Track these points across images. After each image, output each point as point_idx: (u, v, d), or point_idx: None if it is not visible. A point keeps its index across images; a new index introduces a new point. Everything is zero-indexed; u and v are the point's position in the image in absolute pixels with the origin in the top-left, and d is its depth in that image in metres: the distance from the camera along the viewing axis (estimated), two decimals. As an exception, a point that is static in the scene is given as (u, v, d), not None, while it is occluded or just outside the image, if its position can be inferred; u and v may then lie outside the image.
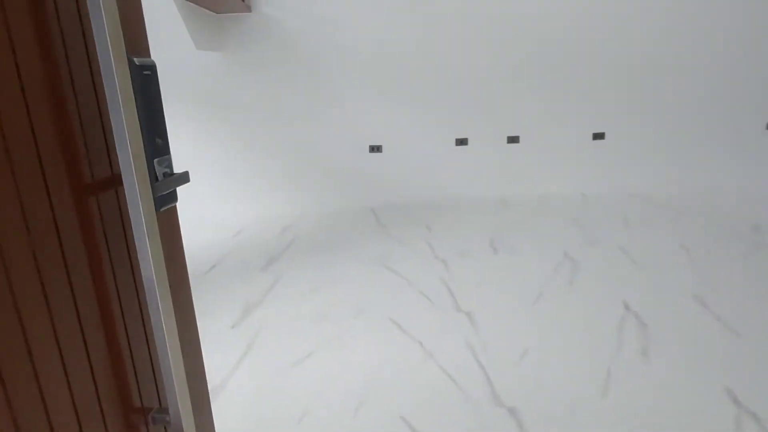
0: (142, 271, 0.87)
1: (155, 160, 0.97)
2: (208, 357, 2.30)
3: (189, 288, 1.13)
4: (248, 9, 4.24)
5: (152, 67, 0.97)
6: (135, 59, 0.92)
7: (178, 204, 4.38)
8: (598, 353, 2.18)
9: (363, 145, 4.71)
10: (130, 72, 0.91)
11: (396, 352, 2.26)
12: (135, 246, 0.88)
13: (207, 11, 4.10)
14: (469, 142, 4.70)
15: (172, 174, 1.01)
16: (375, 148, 4.72)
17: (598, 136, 4.78)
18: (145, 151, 0.94)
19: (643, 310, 2.52)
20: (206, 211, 4.69)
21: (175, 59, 4.36)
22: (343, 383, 2.06)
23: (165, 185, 0.96)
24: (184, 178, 1.02)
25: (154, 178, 0.96)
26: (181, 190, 4.67)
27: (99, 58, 0.79)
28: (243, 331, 2.53)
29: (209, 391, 2.01)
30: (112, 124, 0.82)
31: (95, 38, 0.78)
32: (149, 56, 1.01)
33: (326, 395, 1.99)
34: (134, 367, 0.94)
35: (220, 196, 4.71)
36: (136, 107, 0.93)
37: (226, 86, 4.46)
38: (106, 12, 0.78)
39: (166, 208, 1.01)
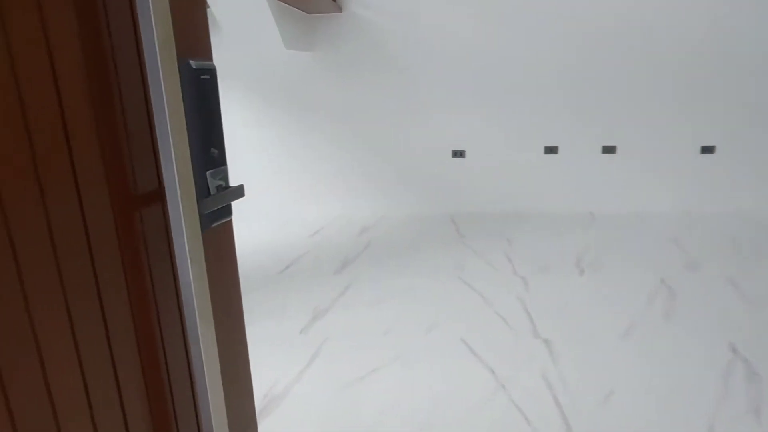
0: (182, 296, 0.81)
1: (208, 173, 0.90)
2: (275, 361, 2.27)
3: (240, 309, 1.06)
4: (339, 9, 4.23)
5: (211, 71, 0.90)
6: (192, 62, 0.86)
7: (258, 201, 4.48)
8: (697, 404, 1.89)
9: (446, 150, 4.56)
10: (186, 76, 0.85)
11: (465, 378, 2.10)
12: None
13: (298, 11, 4.14)
14: (560, 150, 4.40)
15: (226, 187, 0.94)
16: (458, 153, 4.55)
17: (708, 150, 4.29)
18: (195, 162, 0.87)
19: (755, 357, 2.17)
20: (287, 209, 4.76)
21: (265, 58, 4.45)
22: (407, 407, 1.94)
23: (216, 200, 0.89)
24: (238, 192, 0.95)
25: (204, 192, 0.90)
26: (263, 187, 4.78)
27: (146, 60, 0.72)
28: (311, 337, 2.49)
29: (270, 396, 1.98)
30: (157, 133, 0.75)
31: (143, 38, 0.72)
32: (210, 59, 0.95)
33: (388, 418, 1.88)
34: (171, 395, 0.87)
35: (302, 195, 4.76)
36: (191, 114, 0.86)
37: (312, 86, 4.49)
38: (156, 11, 0.71)
39: (218, 224, 0.94)
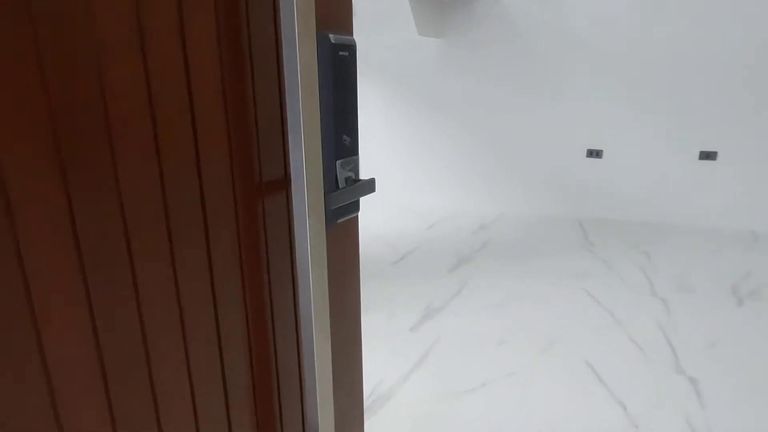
0: (299, 295, 0.72)
1: (339, 162, 0.80)
2: (383, 357, 2.20)
3: (358, 312, 0.96)
4: (475, -6, 4.03)
5: (351, 47, 0.80)
6: (331, 36, 0.76)
7: (378, 187, 4.43)
8: None
9: (580, 148, 4.18)
10: (324, 51, 0.75)
11: (589, 410, 1.86)
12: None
13: (434, -4, 4.01)
14: (719, 156, 3.83)
15: (356, 180, 0.84)
16: (594, 153, 4.15)
17: None
18: (326, 150, 0.78)
19: None
20: (404, 198, 4.70)
21: (395, 44, 4.39)
22: None
23: (345, 195, 0.79)
24: (369, 187, 0.84)
25: (333, 184, 0.80)
26: (381, 173, 4.75)
27: (282, 32, 0.63)
28: (421, 336, 2.38)
29: (375, 395, 1.90)
30: (288, 114, 0.66)
31: (281, 3, 0.62)
32: (351, 33, 0.85)
33: (498, 439, 1.72)
34: (279, 391, 0.79)
35: (420, 185, 4.66)
36: (325, 95, 0.77)
37: (440, 74, 4.34)
38: (296, -26, 0.61)
39: (344, 219, 0.84)
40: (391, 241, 3.71)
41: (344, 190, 0.78)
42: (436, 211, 4.44)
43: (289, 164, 0.71)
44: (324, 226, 0.72)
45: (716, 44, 3.60)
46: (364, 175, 4.78)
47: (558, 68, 4.03)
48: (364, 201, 4.89)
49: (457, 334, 2.39)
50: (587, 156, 4.17)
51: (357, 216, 0.90)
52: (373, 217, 4.29)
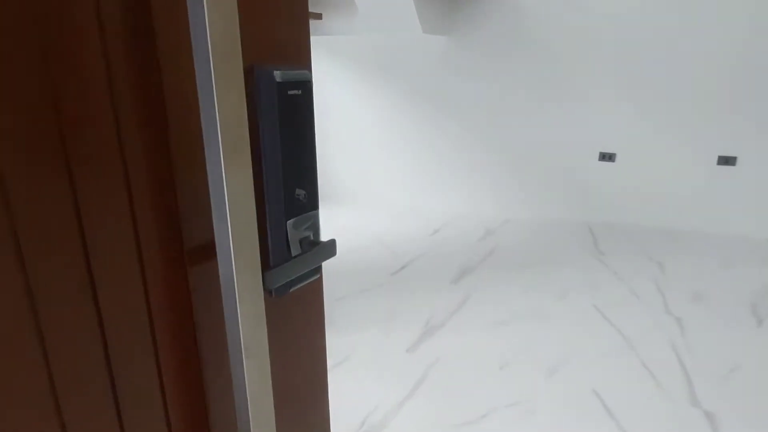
0: (234, 389, 0.59)
1: (290, 222, 0.67)
2: (376, 382, 2.08)
3: (325, 395, 0.83)
4: (483, -11, 3.85)
5: (305, 84, 0.66)
6: (276, 73, 0.62)
7: (377, 189, 4.30)
8: None
9: (592, 151, 4.01)
10: (265, 92, 0.62)
11: (596, 446, 1.73)
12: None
13: (439, -8, 3.84)
14: (738, 161, 3.63)
15: (315, 243, 0.70)
16: (606, 156, 3.98)
17: None
18: (273, 208, 0.64)
19: None
20: (407, 201, 4.56)
21: (398, 42, 4.23)
22: (520, 471, 1.63)
23: (296, 265, 0.66)
24: (328, 251, 0.70)
25: (281, 248, 0.67)
26: (384, 175, 4.61)
27: (196, 70, 0.50)
28: (418, 359, 2.25)
29: (367, 426, 1.78)
30: (208, 171, 0.53)
31: (192, 36, 0.49)
32: (306, 67, 0.71)
33: (495, 482, 1.59)
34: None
35: (428, 187, 4.52)
36: (270, 143, 0.63)
37: (448, 73, 4.18)
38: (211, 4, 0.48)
39: (301, 286, 0.71)
40: (392, 247, 3.57)
41: (295, 261, 0.64)
42: (442, 214, 4.30)
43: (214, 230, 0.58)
44: (261, 304, 0.58)
45: (737, 46, 3.40)
46: (363, 179, 4.64)
47: (570, 68, 3.85)
48: (365, 204, 4.76)
49: (457, 355, 2.26)
50: (600, 159, 4.00)
51: (320, 278, 0.76)
52: (374, 221, 4.16)
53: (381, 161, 4.63)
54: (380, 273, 3.14)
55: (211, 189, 0.52)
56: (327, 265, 3.18)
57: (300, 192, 0.69)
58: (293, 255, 0.68)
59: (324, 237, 0.72)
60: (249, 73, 0.60)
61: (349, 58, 4.44)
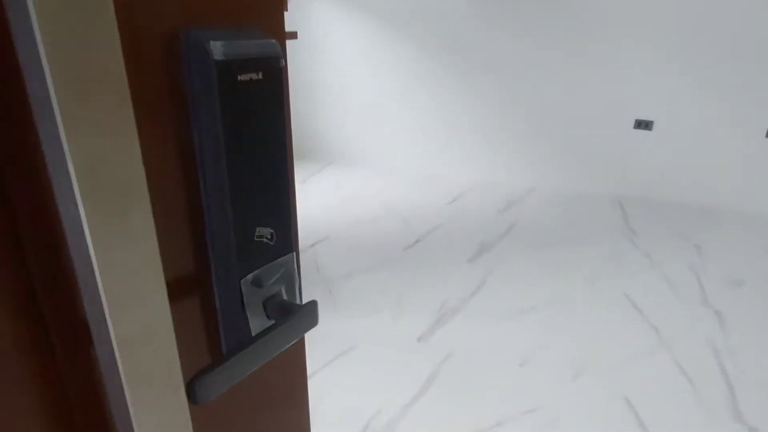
0: None
1: (247, 279, 0.45)
2: (382, 378, 1.90)
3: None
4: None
5: (269, 63, 0.42)
6: (214, 45, 0.38)
7: (393, 153, 4.04)
8: None
9: (627, 118, 3.67)
10: (199, 78, 0.38)
11: (627, 467, 1.54)
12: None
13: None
14: (792, 135, 3.29)
15: (288, 307, 0.47)
16: (642, 124, 3.64)
17: None
18: (219, 260, 0.42)
19: None
20: (424, 167, 4.29)
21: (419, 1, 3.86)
22: (540, 494, 1.46)
23: (248, 359, 0.43)
24: (307, 319, 0.48)
25: (235, 322, 0.44)
26: (399, 139, 4.32)
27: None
28: (430, 350, 2.06)
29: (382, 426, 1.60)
30: (65, 231, 0.30)
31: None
32: (276, 32, 0.46)
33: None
34: None
35: (448, 151, 4.24)
36: (211, 165, 0.40)
37: (475, 28, 3.82)
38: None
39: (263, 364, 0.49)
40: (406, 218, 3.35)
41: (243, 355, 0.42)
42: (461, 182, 4.04)
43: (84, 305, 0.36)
44: (184, 408, 0.37)
45: (806, 0, 2.99)
46: (375, 141, 4.36)
47: (608, 27, 3.47)
48: (381, 167, 4.50)
49: (472, 348, 2.07)
50: (635, 127, 3.67)
51: (301, 342, 0.54)
52: (388, 189, 3.91)
53: (396, 121, 4.33)
54: (392, 247, 2.93)
55: (79, 276, 0.30)
56: (332, 238, 2.98)
57: (263, 231, 0.46)
58: (254, 328, 0.46)
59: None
60: (170, 44, 0.36)
61: (361, 2, 4.08)
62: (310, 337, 2.12)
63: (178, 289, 0.41)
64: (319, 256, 2.82)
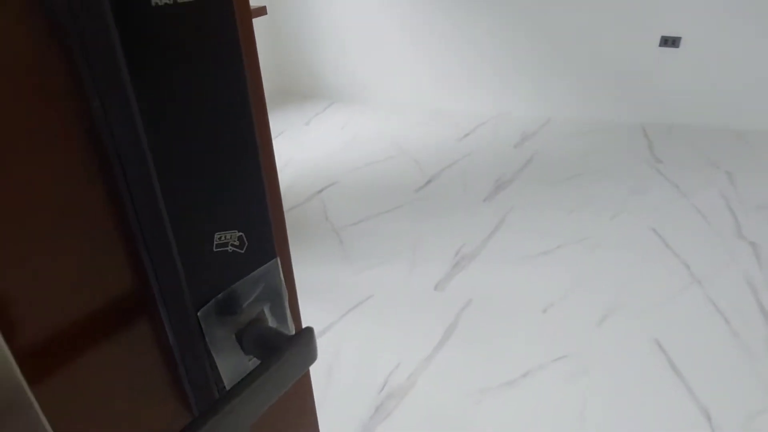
0: None
1: (208, 308, 0.31)
2: (401, 331, 1.82)
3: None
4: None
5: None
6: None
7: (401, 88, 3.82)
8: None
9: (651, 35, 3.37)
10: (94, 17, 0.22)
11: (663, 421, 1.46)
12: None
13: None
14: (835, 45, 3.00)
15: (267, 341, 0.34)
16: (669, 41, 3.35)
17: None
18: (164, 294, 0.28)
19: None
20: (434, 102, 4.06)
21: None
22: (571, 448, 1.39)
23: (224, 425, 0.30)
24: (305, 355, 0.34)
25: (198, 364, 0.31)
26: (414, 72, 4.06)
27: None
28: (448, 298, 1.97)
29: (388, 390, 1.53)
30: None
31: None
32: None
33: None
34: None
35: (457, 83, 3.98)
36: (128, 139, 0.26)
37: (481, -59, 3.46)
38: None
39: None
40: (418, 157, 3.18)
41: (219, 416, 0.29)
42: (472, 117, 3.82)
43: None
44: None
45: None
46: (380, 74, 4.10)
47: (634, -72, 3.11)
48: (387, 102, 4.25)
49: (493, 294, 1.97)
50: (660, 45, 3.37)
51: (306, 375, 0.41)
52: (396, 123, 3.72)
53: (402, 56, 4.05)
54: (403, 190, 2.79)
55: None
56: (340, 183, 2.85)
57: (227, 237, 0.32)
58: (226, 376, 0.33)
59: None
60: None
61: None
62: (323, 289, 2.03)
63: (115, 333, 0.28)
64: (327, 203, 2.69)
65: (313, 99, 4.36)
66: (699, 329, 1.74)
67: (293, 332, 0.37)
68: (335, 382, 1.62)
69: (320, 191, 2.81)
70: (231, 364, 0.33)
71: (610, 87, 3.58)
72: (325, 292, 2.01)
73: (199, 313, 0.30)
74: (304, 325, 0.35)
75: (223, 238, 0.31)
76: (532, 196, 2.65)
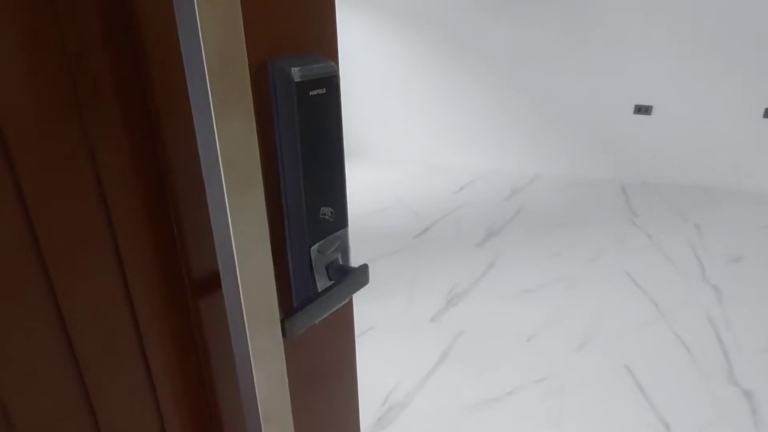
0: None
1: (315, 248, 0.58)
2: (399, 355, 2.04)
3: None
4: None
5: (331, 80, 0.55)
6: (294, 71, 0.51)
7: (399, 144, 4.16)
8: None
9: (626, 103, 3.78)
10: (283, 93, 0.51)
11: (633, 427, 1.67)
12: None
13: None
14: (787, 115, 3.39)
15: (345, 269, 0.61)
16: (642, 109, 3.75)
17: None
18: (294, 232, 0.55)
19: None
20: (431, 158, 4.41)
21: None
22: (549, 452, 1.59)
23: (321, 307, 0.57)
24: (359, 279, 0.61)
25: (305, 278, 0.58)
26: (413, 128, 4.44)
27: (186, 72, 0.40)
28: (442, 328, 2.20)
29: (390, 404, 1.74)
30: (207, 195, 0.44)
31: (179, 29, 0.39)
32: (333, 58, 0.59)
33: (524, 463, 1.56)
34: None
35: (453, 140, 4.36)
36: (290, 158, 0.53)
37: (475, 14, 3.92)
38: None
39: (327, 316, 0.62)
40: (415, 208, 3.48)
41: (320, 301, 0.55)
42: (465, 173, 4.16)
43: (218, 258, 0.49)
44: (282, 363, 0.50)
45: (798, -17, 3.08)
46: (382, 133, 4.48)
47: (604, 11, 3.56)
48: (388, 159, 4.62)
49: (482, 325, 2.21)
50: (635, 112, 3.77)
51: (350, 302, 0.68)
52: (396, 180, 4.04)
53: (402, 114, 4.45)
54: (402, 236, 3.07)
55: (211, 211, 0.43)
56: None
57: (326, 210, 0.59)
58: (319, 286, 0.59)
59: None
60: (260, 71, 0.49)
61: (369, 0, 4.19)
62: (331, 320, 2.26)
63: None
64: (333, 245, 2.95)
65: (319, 153, 4.71)
66: (663, 357, 1.98)
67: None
68: (342, 397, 1.82)
69: (327, 235, 3.09)
70: (321, 280, 0.59)
71: (592, 148, 3.95)
72: (332, 322, 2.24)
73: (310, 249, 0.57)
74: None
75: (323, 211, 0.58)
76: (520, 243, 2.93)
